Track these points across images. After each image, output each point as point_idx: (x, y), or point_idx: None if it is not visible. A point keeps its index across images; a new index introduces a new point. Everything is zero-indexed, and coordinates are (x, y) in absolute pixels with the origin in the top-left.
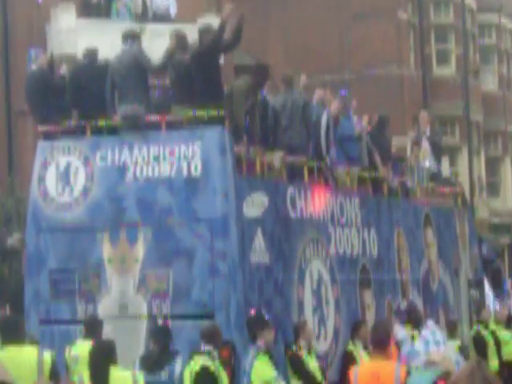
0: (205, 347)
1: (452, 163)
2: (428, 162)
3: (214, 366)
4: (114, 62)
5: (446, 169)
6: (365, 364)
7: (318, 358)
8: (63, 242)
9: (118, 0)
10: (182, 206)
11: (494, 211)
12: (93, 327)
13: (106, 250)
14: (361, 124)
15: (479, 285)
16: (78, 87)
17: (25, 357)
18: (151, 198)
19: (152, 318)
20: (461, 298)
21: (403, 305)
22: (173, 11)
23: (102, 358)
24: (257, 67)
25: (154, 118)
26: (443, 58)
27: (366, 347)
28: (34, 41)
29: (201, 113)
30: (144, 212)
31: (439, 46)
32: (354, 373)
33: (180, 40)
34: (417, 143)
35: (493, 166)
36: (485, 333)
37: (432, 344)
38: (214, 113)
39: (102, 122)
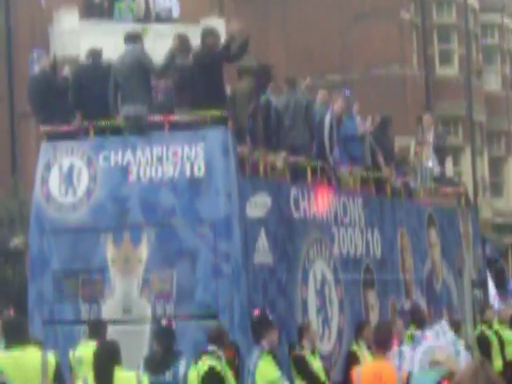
0: (211, 348)
1: (455, 163)
2: (431, 163)
3: (221, 366)
4: (116, 63)
5: (449, 169)
6: (367, 364)
7: (322, 358)
8: (67, 244)
9: (121, 1)
10: (185, 206)
11: (497, 211)
12: (97, 328)
13: (110, 251)
14: (364, 124)
15: (483, 285)
16: (80, 88)
17: (29, 359)
18: (154, 198)
19: (156, 318)
20: (464, 298)
21: (407, 305)
22: (175, 12)
23: (107, 359)
24: (260, 69)
25: (157, 118)
26: (446, 58)
27: (369, 347)
28: (36, 42)
29: (204, 114)
30: (147, 213)
31: (442, 46)
32: (357, 373)
33: (183, 42)
34: (420, 144)
35: (496, 166)
36: (489, 333)
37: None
38: (216, 114)
39: (104, 123)
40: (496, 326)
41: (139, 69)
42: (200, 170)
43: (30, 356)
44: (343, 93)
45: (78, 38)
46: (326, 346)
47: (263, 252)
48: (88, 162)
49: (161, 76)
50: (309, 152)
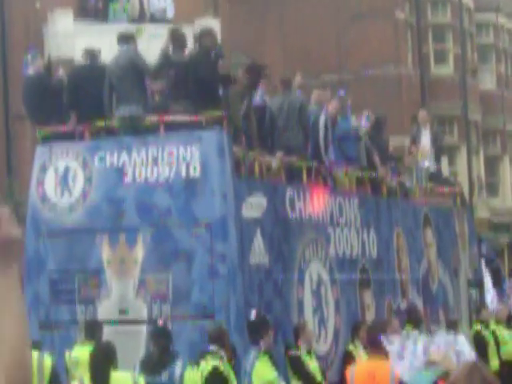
0: (213, 348)
1: (451, 163)
2: (427, 162)
3: (224, 366)
4: (110, 64)
5: (445, 168)
6: (361, 363)
7: (318, 358)
8: (62, 245)
9: (115, 2)
10: (180, 207)
11: (493, 210)
12: (93, 330)
13: (106, 253)
14: (362, 123)
15: (479, 284)
16: (75, 89)
17: None
18: (150, 200)
19: (152, 319)
20: (460, 297)
21: (403, 305)
22: (170, 13)
23: (103, 361)
24: (250, 67)
25: (152, 119)
26: (441, 58)
27: (365, 347)
28: (31, 43)
29: (199, 115)
30: (143, 214)
31: (437, 46)
32: (351, 372)
33: (177, 37)
34: (415, 143)
35: (492, 165)
36: (485, 332)
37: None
38: (212, 115)
39: (100, 125)
40: (492, 325)
41: (133, 69)
42: (196, 171)
43: None
44: (338, 93)
45: (72, 39)
46: (322, 347)
47: (259, 252)
48: (83, 164)
49: (155, 76)
50: (304, 153)
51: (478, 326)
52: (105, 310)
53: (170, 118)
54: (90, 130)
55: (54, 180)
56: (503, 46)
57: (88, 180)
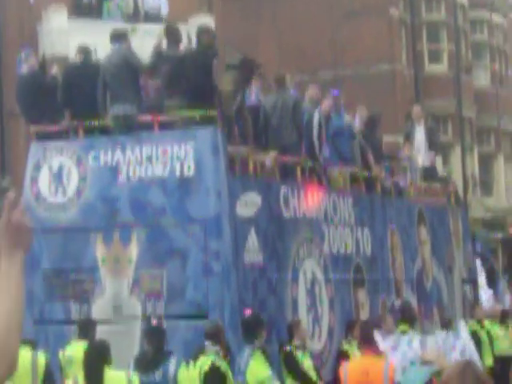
0: (210, 345)
1: (445, 160)
2: (421, 159)
3: (223, 363)
4: (104, 62)
5: (439, 167)
6: (354, 361)
7: (313, 356)
8: (57, 243)
9: (110, 0)
10: (175, 206)
11: (487, 208)
12: (86, 328)
13: (100, 251)
14: (356, 120)
15: (473, 282)
16: (69, 87)
17: (20, 359)
18: (144, 198)
19: (146, 318)
20: (455, 295)
21: (397, 303)
22: (164, 11)
23: (97, 359)
24: (243, 62)
25: (146, 118)
26: (435, 55)
27: (359, 345)
28: (25, 41)
29: (193, 113)
30: (137, 212)
31: (431, 43)
32: (344, 369)
33: (172, 33)
34: (409, 139)
35: (486, 162)
36: (479, 330)
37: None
38: (206, 113)
39: (94, 123)
40: (486, 323)
41: (127, 67)
42: (190, 169)
43: (21, 356)
44: (331, 92)
45: (66, 37)
46: (317, 345)
47: (253, 251)
48: (77, 162)
49: (149, 74)
50: (298, 151)
51: (471, 324)
52: (99, 308)
53: (164, 116)
54: (84, 128)
55: (48, 178)
56: (497, 44)
57: (82, 178)
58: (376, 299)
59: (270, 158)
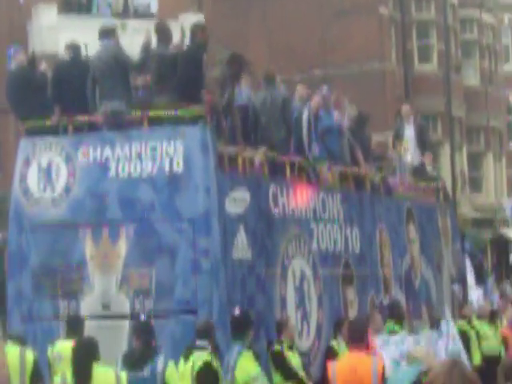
0: (201, 343)
1: (434, 159)
2: (410, 157)
3: (215, 362)
4: (93, 58)
5: (428, 164)
6: (342, 358)
7: (301, 354)
8: (45, 240)
9: None
10: (164, 203)
11: (476, 206)
12: (75, 325)
13: (89, 248)
14: (343, 117)
15: (462, 280)
16: (59, 84)
17: (7, 356)
18: (133, 195)
19: (135, 315)
20: (443, 293)
21: (386, 301)
22: (154, 8)
23: (85, 356)
24: (231, 58)
25: (136, 115)
26: (425, 54)
27: (347, 343)
28: (15, 38)
29: (183, 110)
30: (126, 209)
31: (421, 42)
32: (332, 367)
33: (163, 32)
34: (398, 137)
35: (475, 161)
36: (467, 328)
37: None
38: (195, 110)
39: (83, 119)
40: (475, 321)
41: (116, 64)
42: (179, 166)
43: (9, 353)
44: (320, 89)
45: (56, 34)
46: (305, 342)
47: (242, 248)
48: (67, 158)
49: (139, 70)
50: (287, 148)
51: (460, 322)
52: (87, 304)
53: (153, 113)
54: (73, 125)
55: (37, 174)
56: (487, 43)
57: (71, 174)
58: (365, 297)
59: (258, 155)
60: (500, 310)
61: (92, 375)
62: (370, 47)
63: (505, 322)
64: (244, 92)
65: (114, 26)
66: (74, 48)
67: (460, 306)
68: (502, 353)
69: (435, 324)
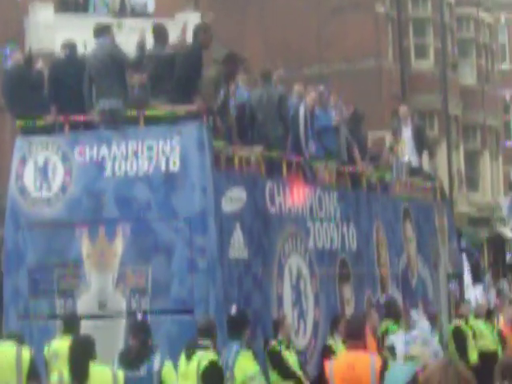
0: (204, 342)
1: (432, 158)
2: (407, 156)
3: (219, 360)
4: (89, 56)
5: (425, 163)
6: (340, 356)
7: (298, 352)
8: (42, 238)
9: None
10: (160, 201)
11: (473, 205)
12: (71, 323)
13: (85, 246)
14: (341, 115)
15: (458, 279)
16: (55, 82)
17: (4, 354)
18: (130, 193)
19: (131, 313)
20: (440, 292)
21: (382, 299)
22: (150, 6)
23: (82, 354)
24: (227, 57)
25: (132, 113)
26: (421, 52)
27: (345, 342)
28: (11, 36)
29: (179, 108)
30: (123, 208)
31: (417, 40)
32: (330, 365)
33: (160, 32)
34: (395, 135)
35: (472, 159)
36: (464, 326)
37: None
38: (192, 108)
39: (79, 118)
40: (471, 320)
41: (112, 62)
42: (175, 165)
43: (5, 351)
44: (318, 87)
45: (53, 32)
46: (302, 341)
47: (238, 246)
48: (63, 157)
49: (135, 68)
50: (283, 146)
51: (457, 321)
52: (84, 303)
53: (149, 111)
54: (69, 123)
55: (33, 173)
56: (483, 41)
57: (68, 173)
58: (361, 295)
59: (255, 153)
60: (497, 308)
61: (89, 374)
62: (367, 44)
63: (502, 320)
64: (241, 90)
65: (109, 23)
66: (70, 47)
67: (457, 305)
68: (499, 351)
69: (432, 322)
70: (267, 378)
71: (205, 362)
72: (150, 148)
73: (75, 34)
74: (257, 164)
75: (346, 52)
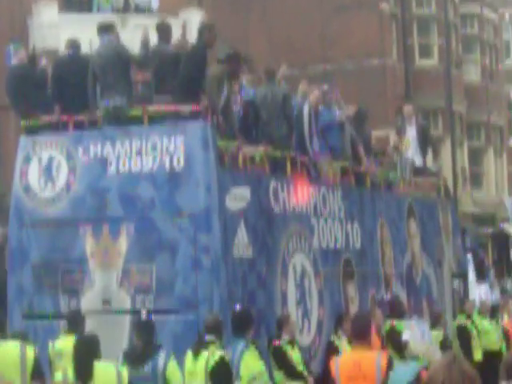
0: (211, 338)
1: (436, 156)
2: (411, 154)
3: (228, 358)
4: (93, 54)
5: (429, 160)
6: (346, 354)
7: (302, 350)
8: (46, 237)
9: None
10: (164, 199)
11: (477, 202)
12: (75, 322)
13: (89, 245)
14: (344, 113)
15: (462, 276)
16: (59, 80)
17: (8, 353)
18: (134, 192)
19: (135, 311)
20: (444, 289)
21: (386, 297)
22: (154, 4)
23: (86, 352)
24: (229, 56)
25: (136, 111)
26: (425, 50)
27: (349, 340)
28: (16, 35)
29: (183, 107)
30: (127, 206)
31: (421, 38)
32: (335, 362)
33: (164, 30)
34: (399, 134)
35: (476, 157)
36: (468, 324)
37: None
38: (196, 107)
39: (83, 116)
40: (476, 317)
41: (117, 59)
42: (179, 163)
43: (9, 350)
44: (322, 85)
45: (57, 31)
46: (306, 338)
47: (243, 245)
48: (67, 155)
49: (140, 65)
50: (288, 144)
51: (461, 318)
52: (88, 301)
53: (154, 109)
54: (73, 121)
55: (37, 171)
56: (488, 38)
57: (72, 171)
58: (365, 293)
59: (259, 151)
60: (500, 305)
61: (93, 372)
62: (371, 43)
63: (506, 318)
64: (246, 89)
65: (113, 21)
66: (73, 46)
67: (461, 303)
68: (503, 348)
69: (436, 320)
70: (271, 376)
71: (214, 360)
72: (154, 146)
73: (79, 32)
74: (261, 162)
75: (350, 50)
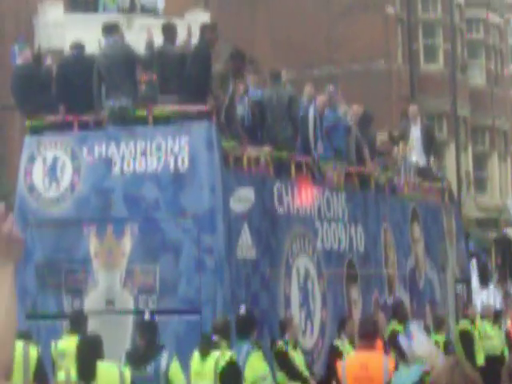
0: (219, 339)
1: (440, 159)
2: (415, 156)
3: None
4: (99, 55)
5: (433, 164)
6: (352, 356)
7: (305, 352)
8: (50, 237)
9: None
10: (168, 200)
11: (481, 206)
12: (78, 322)
13: (93, 245)
14: (350, 116)
15: (466, 281)
16: (64, 80)
17: None
18: (138, 192)
19: (138, 311)
20: (447, 293)
21: (389, 300)
22: (160, 5)
23: (89, 353)
24: (233, 54)
25: (141, 112)
26: (431, 54)
27: (352, 342)
28: (21, 35)
29: (188, 107)
30: (131, 206)
31: (427, 41)
32: (342, 365)
33: (170, 30)
34: (403, 138)
35: (480, 161)
36: (471, 328)
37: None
38: (201, 108)
39: (88, 116)
40: (478, 321)
41: (123, 60)
42: (184, 163)
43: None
44: (327, 88)
45: (62, 31)
46: (309, 341)
47: (246, 246)
48: (72, 155)
49: (146, 66)
50: (292, 146)
51: (464, 323)
52: (91, 301)
53: (158, 110)
54: (78, 121)
55: (42, 171)
56: (493, 42)
57: (76, 171)
58: (368, 296)
59: (264, 153)
60: (503, 310)
61: (96, 372)
62: (376, 46)
63: (508, 323)
64: (250, 90)
65: (118, 21)
66: (78, 47)
67: (464, 307)
68: (506, 353)
69: (439, 324)
70: (274, 378)
71: (225, 360)
72: (158, 147)
73: (85, 32)
74: (266, 164)
75: (356, 53)
